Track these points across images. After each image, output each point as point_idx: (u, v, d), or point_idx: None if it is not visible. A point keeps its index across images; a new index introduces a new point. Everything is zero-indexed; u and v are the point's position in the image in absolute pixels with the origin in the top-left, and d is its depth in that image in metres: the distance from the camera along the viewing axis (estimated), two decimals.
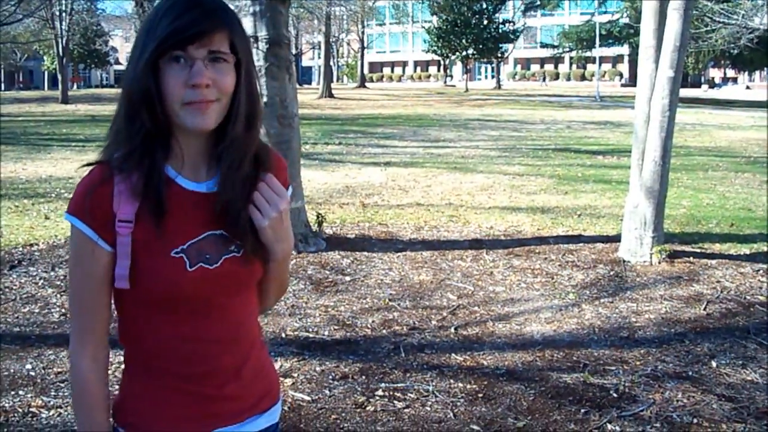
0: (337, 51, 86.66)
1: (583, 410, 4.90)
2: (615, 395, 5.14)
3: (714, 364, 5.75)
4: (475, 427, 4.66)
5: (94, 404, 1.86)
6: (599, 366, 5.63)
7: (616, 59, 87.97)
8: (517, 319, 6.66)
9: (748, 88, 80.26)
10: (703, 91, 70.04)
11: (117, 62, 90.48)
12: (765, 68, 75.40)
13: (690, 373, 5.57)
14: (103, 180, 1.74)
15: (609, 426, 4.72)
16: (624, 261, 8.58)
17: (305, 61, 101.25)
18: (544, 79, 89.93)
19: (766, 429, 4.71)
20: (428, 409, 4.90)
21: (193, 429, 1.87)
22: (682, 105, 38.02)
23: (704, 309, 7.00)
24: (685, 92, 53.16)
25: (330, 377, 5.34)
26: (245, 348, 1.94)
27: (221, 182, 1.79)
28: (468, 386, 5.23)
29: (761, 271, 8.28)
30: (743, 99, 57.32)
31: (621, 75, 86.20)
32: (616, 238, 9.11)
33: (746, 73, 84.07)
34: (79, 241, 1.77)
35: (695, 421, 4.81)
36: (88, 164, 1.81)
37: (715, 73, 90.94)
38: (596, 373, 5.50)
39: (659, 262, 8.44)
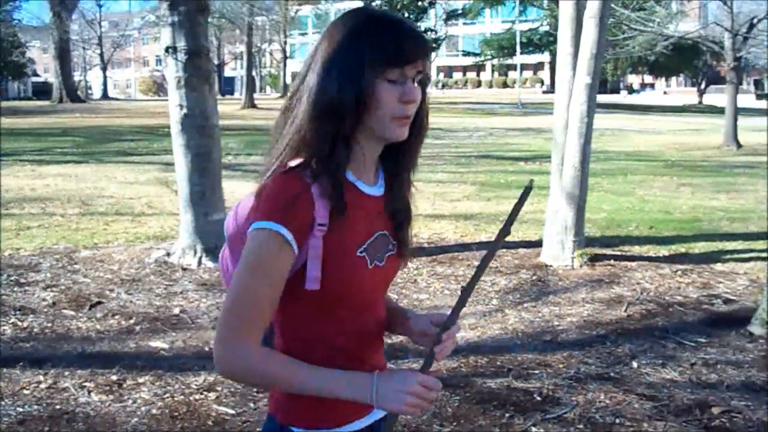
0: (260, 61, 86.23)
1: (507, 414, 4.94)
2: (539, 398, 5.19)
3: (635, 364, 5.85)
4: None
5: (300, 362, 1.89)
6: (523, 370, 5.68)
7: (537, 66, 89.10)
8: None
9: (665, 93, 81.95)
10: (622, 97, 71.22)
11: (35, 74, 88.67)
12: (681, 74, 77.22)
13: (612, 374, 5.65)
14: (303, 187, 1.81)
15: (533, 429, 4.77)
16: (546, 265, 8.68)
17: (228, 72, 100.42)
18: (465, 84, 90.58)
19: (685, 426, 4.80)
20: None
21: (357, 418, 1.99)
22: (602, 110, 38.66)
23: (625, 311, 7.12)
24: (604, 98, 54.22)
25: (254, 390, 5.28)
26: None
27: (395, 186, 1.99)
28: None
29: (679, 272, 8.45)
30: (661, 104, 58.55)
31: (542, 82, 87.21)
32: (539, 243, 9.21)
33: (663, 79, 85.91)
34: (272, 246, 1.80)
35: (617, 420, 4.88)
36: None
37: (634, 79, 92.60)
38: (520, 377, 5.55)
39: (581, 266, 8.57)
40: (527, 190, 1.91)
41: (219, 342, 1.84)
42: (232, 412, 4.96)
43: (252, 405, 5.05)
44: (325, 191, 1.81)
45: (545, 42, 62.55)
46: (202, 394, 5.21)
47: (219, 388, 5.29)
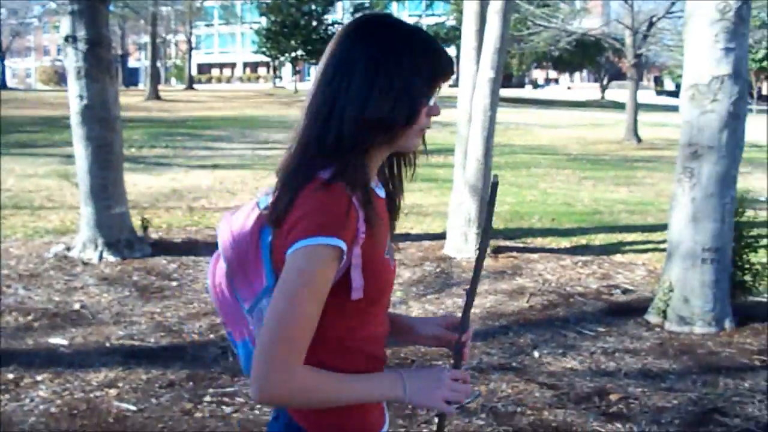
0: (165, 52, 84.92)
1: (410, 405, 4.95)
2: None
3: (536, 354, 5.94)
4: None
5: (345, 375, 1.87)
6: (425, 362, 5.71)
7: None
8: None
9: (569, 88, 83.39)
10: (527, 92, 72.13)
11: None
12: (584, 70, 78.67)
13: (514, 364, 5.74)
14: (348, 198, 1.76)
15: (436, 419, 4.79)
16: (450, 257, 8.76)
17: (132, 63, 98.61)
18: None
19: (584, 412, 4.90)
20: (257, 412, 4.85)
21: (382, 420, 2.01)
22: (507, 105, 39.17)
23: (527, 301, 7.23)
24: (509, 92, 54.87)
25: (156, 385, 5.21)
26: None
27: (400, 188, 2.04)
28: None
29: (580, 263, 8.62)
30: (564, 99, 59.55)
31: None
32: (443, 236, 9.29)
33: (567, 74, 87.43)
34: (328, 261, 1.74)
35: (519, 409, 4.95)
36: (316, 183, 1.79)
37: (539, 74, 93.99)
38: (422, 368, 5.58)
39: None
40: (494, 186, 1.99)
41: (268, 365, 1.74)
42: (133, 408, 4.88)
43: (154, 401, 4.99)
44: (361, 201, 1.80)
45: (452, 36, 62.89)
46: (102, 390, 5.12)
47: (120, 385, 5.21)
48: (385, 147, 1.89)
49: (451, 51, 76.78)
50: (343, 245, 1.73)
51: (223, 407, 4.91)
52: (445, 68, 1.88)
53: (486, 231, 2.06)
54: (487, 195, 8.94)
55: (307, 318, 1.75)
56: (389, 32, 1.86)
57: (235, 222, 1.93)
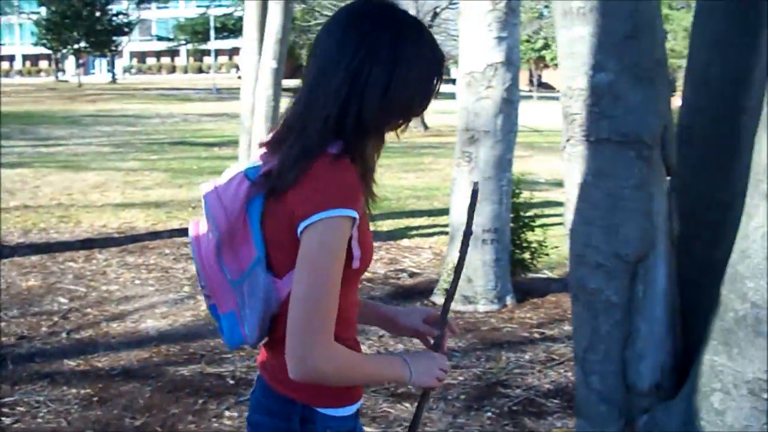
0: None
1: (201, 401, 4.90)
2: (232, 382, 5.20)
3: None
4: None
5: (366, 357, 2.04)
6: (216, 355, 5.66)
7: (233, 52, 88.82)
8: (132, 317, 6.53)
9: None
10: None
11: None
12: None
13: None
14: (356, 172, 1.83)
15: (227, 413, 4.76)
16: None
17: None
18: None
19: (374, 395, 4.97)
20: (39, 420, 4.65)
21: (359, 398, 2.00)
22: (292, 95, 39.21)
23: None
24: (298, 83, 54.83)
25: None
26: None
27: (375, 167, 2.00)
28: (82, 391, 5.02)
29: None
30: None
31: (238, 67, 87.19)
32: None
33: None
34: (346, 232, 1.78)
35: None
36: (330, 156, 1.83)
37: None
38: (213, 362, 5.52)
39: None
40: (475, 193, 2.06)
41: (311, 340, 1.76)
42: None
43: None
44: (361, 175, 1.86)
45: (239, 27, 62.23)
46: None
47: None
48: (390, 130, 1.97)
49: (239, 42, 76.26)
50: (356, 215, 1.78)
51: (3, 418, 4.67)
52: (442, 56, 1.97)
53: (467, 235, 2.11)
54: None
55: (335, 288, 1.78)
56: (404, 19, 1.91)
57: (225, 194, 1.90)
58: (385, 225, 10.25)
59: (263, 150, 1.96)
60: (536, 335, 6.19)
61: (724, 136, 2.73)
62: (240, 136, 9.09)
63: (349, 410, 1.98)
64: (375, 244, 8.85)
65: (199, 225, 2.00)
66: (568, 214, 2.50)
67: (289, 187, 1.80)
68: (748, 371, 2.20)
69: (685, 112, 2.86)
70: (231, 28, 64.14)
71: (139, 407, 4.80)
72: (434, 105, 2.05)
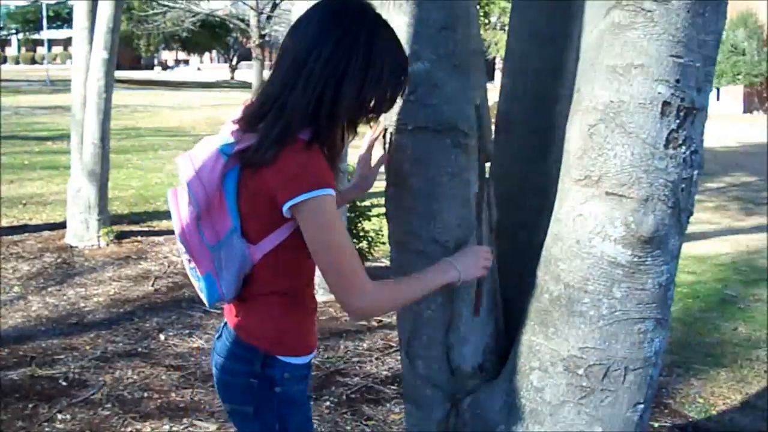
0: None
1: (31, 405, 4.77)
2: (65, 384, 5.08)
3: (162, 337, 5.92)
4: None
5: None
6: (47, 357, 5.52)
7: (67, 42, 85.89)
8: None
9: (199, 69, 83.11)
10: (156, 73, 70.97)
11: None
12: (214, 51, 78.81)
13: (139, 350, 5.68)
14: (323, 156, 2.09)
15: (59, 416, 4.65)
16: (71, 247, 8.47)
17: None
18: None
19: (212, 390, 4.93)
20: None
21: (315, 342, 2.40)
22: (135, 87, 38.48)
23: (152, 285, 7.17)
24: (138, 74, 53.95)
25: None
26: None
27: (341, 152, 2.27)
28: None
29: None
30: (195, 80, 59.20)
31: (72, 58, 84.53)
32: (64, 225, 8.92)
33: (197, 55, 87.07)
34: (333, 206, 2.04)
35: (146, 394, 4.93)
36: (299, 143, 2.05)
37: (168, 56, 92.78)
38: (44, 364, 5.38)
39: (107, 245, 8.48)
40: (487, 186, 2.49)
41: (351, 292, 2.08)
42: None
43: None
44: (327, 159, 2.11)
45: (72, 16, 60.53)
46: None
47: None
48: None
49: (71, 33, 73.81)
50: (333, 191, 2.03)
51: None
52: (407, 57, 2.22)
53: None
54: (107, 180, 8.73)
55: (347, 248, 2.08)
56: (377, 16, 2.12)
57: (203, 171, 2.10)
58: None
59: (235, 127, 2.14)
60: (374, 323, 6.27)
61: (541, 124, 2.84)
62: (71, 129, 8.77)
63: (304, 359, 2.29)
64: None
65: (177, 193, 2.21)
66: (389, 202, 2.54)
67: (265, 164, 2.00)
68: (563, 349, 2.29)
69: (503, 101, 2.96)
70: (65, 17, 61.94)
71: None
72: None
